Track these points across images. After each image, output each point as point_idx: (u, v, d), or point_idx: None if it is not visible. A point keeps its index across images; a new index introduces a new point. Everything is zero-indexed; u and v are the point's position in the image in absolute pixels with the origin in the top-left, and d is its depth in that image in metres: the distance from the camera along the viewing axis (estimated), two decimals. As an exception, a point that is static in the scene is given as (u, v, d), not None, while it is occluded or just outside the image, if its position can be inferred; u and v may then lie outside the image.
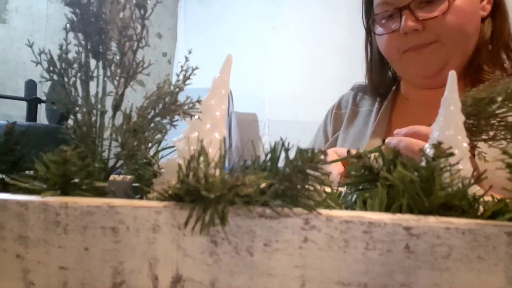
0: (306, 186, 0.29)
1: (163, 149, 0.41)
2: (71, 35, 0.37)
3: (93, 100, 0.38)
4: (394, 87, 0.89)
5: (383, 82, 0.88)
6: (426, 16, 0.74)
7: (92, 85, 0.38)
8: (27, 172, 0.38)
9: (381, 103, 0.88)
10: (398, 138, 0.57)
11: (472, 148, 0.40)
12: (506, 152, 0.30)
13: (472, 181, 0.31)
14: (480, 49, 0.78)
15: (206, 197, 0.28)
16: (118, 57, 0.38)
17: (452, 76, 0.37)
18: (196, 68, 0.37)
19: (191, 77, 0.37)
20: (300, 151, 0.29)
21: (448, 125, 0.36)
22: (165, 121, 0.37)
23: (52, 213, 0.29)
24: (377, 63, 0.88)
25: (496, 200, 0.33)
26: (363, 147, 0.82)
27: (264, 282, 0.29)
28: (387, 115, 0.85)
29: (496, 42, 0.78)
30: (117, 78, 0.38)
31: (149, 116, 0.36)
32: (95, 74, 0.38)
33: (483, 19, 0.78)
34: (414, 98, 0.86)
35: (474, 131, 0.41)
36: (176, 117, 0.36)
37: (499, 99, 0.40)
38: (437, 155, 0.31)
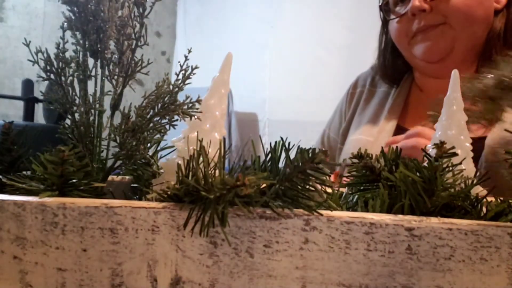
0: (307, 187, 0.29)
1: (162, 149, 0.41)
2: (68, 33, 0.36)
3: (91, 99, 0.37)
4: (406, 75, 0.89)
5: (395, 69, 0.89)
6: None
7: (90, 84, 0.38)
8: (24, 172, 0.37)
9: (397, 87, 0.88)
10: (404, 140, 0.56)
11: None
12: None
13: (475, 181, 0.31)
14: (491, 42, 0.77)
15: (206, 197, 0.27)
16: (116, 56, 0.37)
17: (455, 75, 0.37)
18: (196, 67, 0.37)
19: (190, 76, 0.37)
20: (300, 151, 0.29)
21: (450, 124, 0.36)
22: (164, 121, 0.36)
23: (49, 214, 0.29)
24: (390, 52, 0.88)
25: (499, 200, 0.32)
26: (377, 130, 0.82)
27: (264, 284, 0.29)
28: (402, 100, 0.86)
29: (510, 37, 0.77)
30: (116, 77, 0.37)
31: (148, 116, 0.36)
32: (93, 73, 0.38)
33: (497, 12, 0.78)
34: (427, 89, 0.86)
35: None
36: (176, 116, 0.36)
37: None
38: (440, 155, 0.31)
